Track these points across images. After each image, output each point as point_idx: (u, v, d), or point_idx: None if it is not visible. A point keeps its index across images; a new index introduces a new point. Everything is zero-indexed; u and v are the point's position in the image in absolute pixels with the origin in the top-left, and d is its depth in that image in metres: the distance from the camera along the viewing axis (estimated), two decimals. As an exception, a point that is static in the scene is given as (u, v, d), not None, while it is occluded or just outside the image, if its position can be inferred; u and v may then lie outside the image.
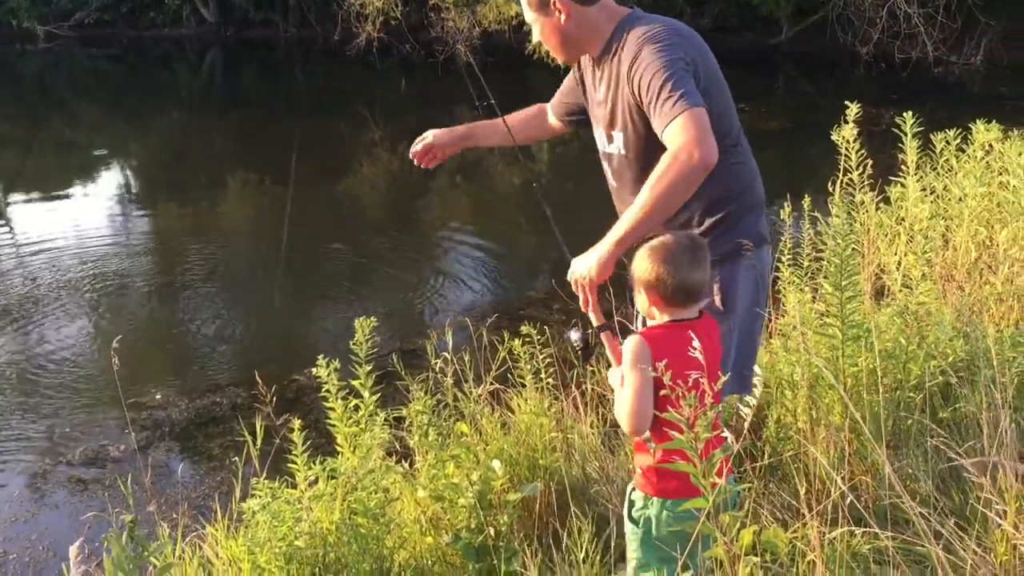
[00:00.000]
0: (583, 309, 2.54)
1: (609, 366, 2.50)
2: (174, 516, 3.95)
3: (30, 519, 4.32)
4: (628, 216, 2.41)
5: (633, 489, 2.34)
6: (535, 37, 2.69)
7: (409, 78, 18.38)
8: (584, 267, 2.47)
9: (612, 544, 2.51)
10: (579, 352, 2.58)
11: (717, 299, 2.61)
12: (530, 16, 2.65)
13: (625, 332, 2.95)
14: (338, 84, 18.76)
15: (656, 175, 2.35)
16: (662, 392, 2.04)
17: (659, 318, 2.32)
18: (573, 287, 2.54)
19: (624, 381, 2.24)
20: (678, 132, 2.32)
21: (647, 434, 2.25)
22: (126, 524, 1.69)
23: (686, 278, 2.25)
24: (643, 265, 2.28)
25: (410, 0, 18.85)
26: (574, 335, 2.57)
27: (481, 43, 17.74)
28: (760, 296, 2.69)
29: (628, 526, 2.34)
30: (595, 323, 2.52)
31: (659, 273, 2.25)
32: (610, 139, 2.69)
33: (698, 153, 2.30)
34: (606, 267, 2.44)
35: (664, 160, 2.35)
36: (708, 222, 2.62)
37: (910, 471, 2.68)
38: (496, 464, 2.83)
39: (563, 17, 2.57)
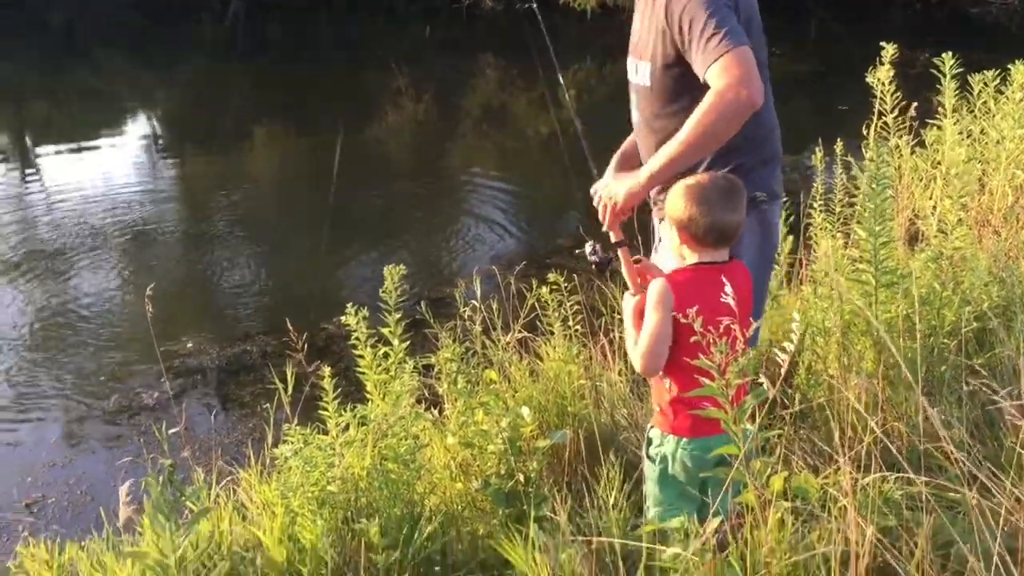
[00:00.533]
0: (604, 228, 2.53)
1: (626, 288, 2.47)
2: (208, 462, 4.02)
3: (67, 464, 4.40)
4: (666, 150, 2.37)
5: (651, 427, 2.37)
6: None
7: (433, 24, 18.19)
8: (614, 190, 2.48)
9: (642, 490, 2.51)
10: (594, 266, 2.60)
11: None
12: None
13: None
14: (362, 32, 18.61)
15: (700, 111, 2.30)
16: (692, 339, 2.02)
17: (688, 258, 2.30)
18: (596, 204, 2.56)
19: (644, 322, 2.24)
20: (724, 70, 2.26)
21: (661, 374, 2.26)
22: (165, 468, 1.71)
23: (719, 219, 2.23)
24: (677, 203, 2.26)
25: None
26: (589, 248, 2.60)
27: (506, -12, 17.50)
28: (768, 249, 2.63)
29: (646, 463, 2.38)
30: (613, 239, 2.52)
31: (692, 213, 2.23)
32: (636, 70, 2.64)
33: (746, 92, 2.25)
34: (635, 196, 2.45)
35: (709, 97, 2.29)
36: (722, 170, 2.56)
37: (943, 417, 2.66)
38: (525, 411, 2.83)
39: None
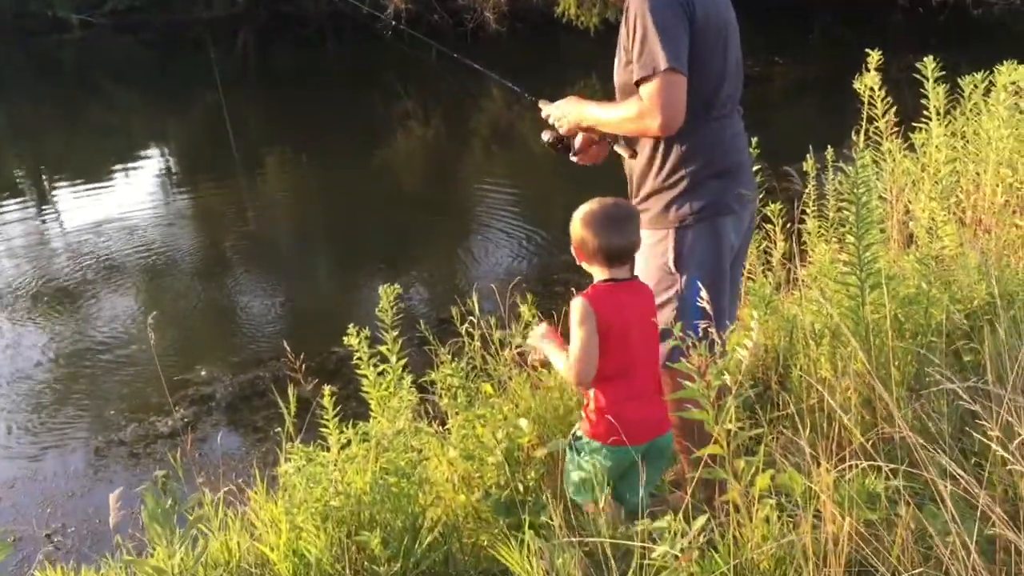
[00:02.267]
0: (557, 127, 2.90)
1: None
2: (220, 486, 4.11)
3: (86, 493, 4.50)
4: (596, 112, 2.74)
5: (578, 427, 2.60)
6: None
7: (439, 48, 18.36)
8: (558, 112, 2.86)
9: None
10: (553, 147, 2.96)
11: (669, 259, 2.66)
12: None
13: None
14: (370, 57, 18.79)
15: (624, 109, 2.61)
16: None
17: (597, 276, 2.53)
18: (544, 116, 2.94)
19: (572, 338, 2.46)
20: (648, 91, 2.48)
21: (590, 394, 2.51)
22: (158, 478, 1.80)
23: (607, 242, 2.46)
24: (574, 227, 2.51)
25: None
26: (545, 135, 2.96)
27: (509, 8, 17.63)
28: (719, 262, 2.69)
29: (568, 452, 2.61)
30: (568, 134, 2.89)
31: (584, 236, 2.47)
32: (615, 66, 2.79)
33: (660, 121, 2.50)
34: (568, 125, 2.84)
35: (632, 104, 2.56)
36: (669, 178, 2.65)
37: (931, 413, 2.70)
38: (523, 422, 2.91)
39: None
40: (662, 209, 2.67)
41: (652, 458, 2.49)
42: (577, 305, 2.44)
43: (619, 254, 2.48)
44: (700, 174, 2.62)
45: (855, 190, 2.89)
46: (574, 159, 2.97)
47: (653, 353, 2.54)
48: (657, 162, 2.67)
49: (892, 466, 2.06)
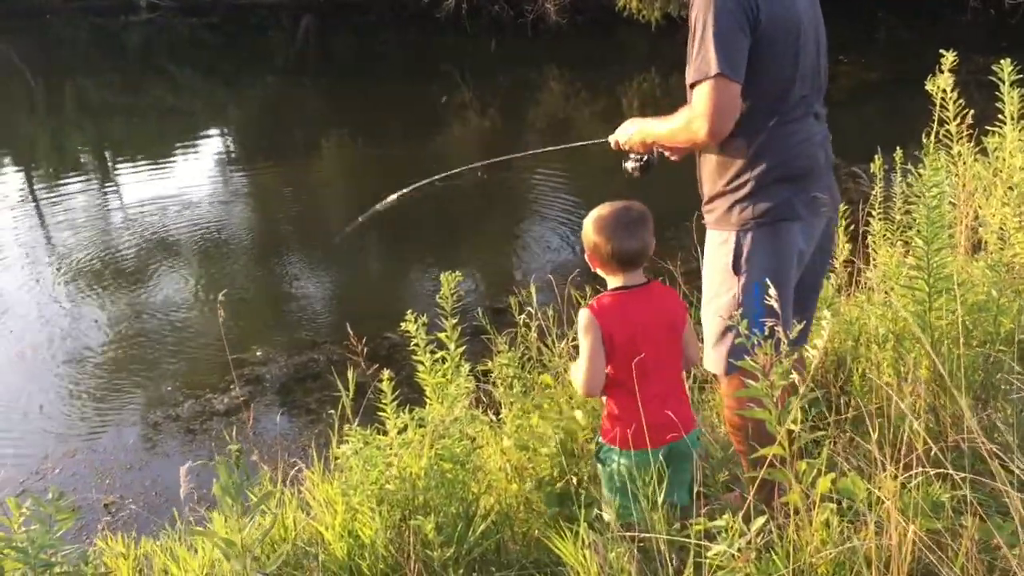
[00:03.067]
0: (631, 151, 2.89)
1: None
2: (275, 465, 4.16)
3: (144, 467, 4.59)
4: (654, 127, 2.74)
5: (599, 437, 2.60)
6: None
7: (499, 38, 18.36)
8: (624, 136, 2.86)
9: (694, 490, 2.55)
10: (637, 174, 2.93)
11: (729, 261, 2.62)
12: None
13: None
14: (430, 46, 18.87)
15: (676, 118, 2.60)
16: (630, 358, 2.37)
17: (610, 283, 2.53)
18: (614, 146, 2.94)
19: (580, 350, 2.48)
20: (699, 97, 2.45)
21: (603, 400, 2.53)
22: (231, 452, 1.82)
23: (619, 246, 2.45)
24: (586, 232, 2.52)
25: (499, -41, 18.77)
26: (629, 165, 2.93)
27: (570, 1, 17.54)
28: (782, 268, 2.61)
29: (597, 466, 2.59)
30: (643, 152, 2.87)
31: (596, 241, 2.48)
32: None
33: (707, 127, 2.47)
34: (638, 147, 2.84)
35: (684, 112, 2.56)
36: (733, 181, 2.61)
37: (998, 424, 2.65)
38: (579, 414, 2.90)
39: None
40: (725, 211, 2.64)
41: (674, 461, 2.46)
42: (581, 317, 2.47)
43: (632, 258, 2.48)
44: (765, 178, 2.57)
45: (926, 192, 2.84)
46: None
47: (669, 357, 2.53)
48: (723, 164, 2.63)
49: (960, 474, 2.02)
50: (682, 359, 2.59)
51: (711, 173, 2.67)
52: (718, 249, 2.66)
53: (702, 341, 2.74)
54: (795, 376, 1.99)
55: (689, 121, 2.52)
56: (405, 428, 2.64)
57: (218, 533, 1.88)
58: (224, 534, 1.87)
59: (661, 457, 2.38)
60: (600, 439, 2.58)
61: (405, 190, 3.68)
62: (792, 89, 2.60)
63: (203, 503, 4.04)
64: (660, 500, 2.23)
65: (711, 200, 2.68)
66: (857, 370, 3.17)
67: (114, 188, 10.15)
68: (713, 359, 2.71)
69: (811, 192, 2.62)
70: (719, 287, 2.66)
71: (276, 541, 2.52)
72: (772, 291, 2.06)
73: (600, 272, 2.57)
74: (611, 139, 2.94)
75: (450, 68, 16.07)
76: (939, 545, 2.08)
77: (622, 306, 2.47)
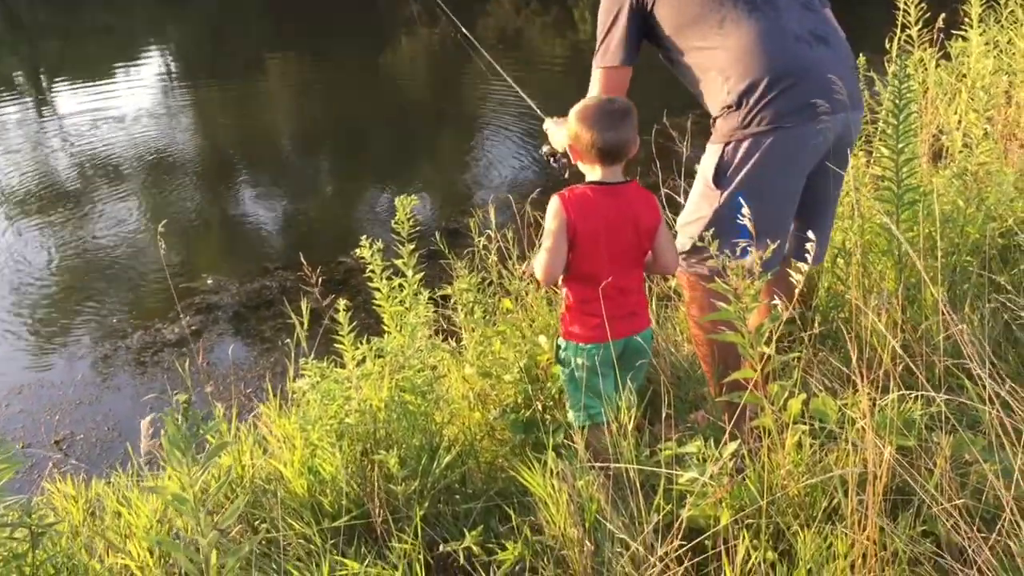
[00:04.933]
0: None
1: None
2: (229, 397, 4.05)
3: (94, 401, 4.46)
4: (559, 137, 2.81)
5: (559, 335, 2.58)
6: None
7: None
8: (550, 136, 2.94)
9: (662, 411, 2.50)
10: (552, 164, 3.04)
11: (710, 174, 2.54)
12: None
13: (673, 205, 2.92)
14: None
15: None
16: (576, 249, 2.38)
17: (588, 175, 2.49)
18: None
19: (543, 236, 2.45)
20: (593, 83, 2.71)
21: (560, 283, 2.51)
22: (179, 404, 1.72)
23: (600, 137, 2.39)
24: (568, 123, 2.48)
25: None
26: (544, 148, 3.04)
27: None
28: (776, 180, 2.52)
29: (559, 368, 2.58)
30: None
31: (578, 131, 2.43)
32: None
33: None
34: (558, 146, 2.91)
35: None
36: (716, 101, 2.55)
37: (963, 335, 2.62)
38: (542, 339, 2.82)
39: None
40: (713, 124, 2.55)
41: (629, 355, 2.48)
42: (551, 204, 2.43)
43: (611, 150, 2.41)
44: (739, 84, 2.46)
45: (896, 100, 2.75)
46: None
47: (632, 256, 2.48)
48: (706, 88, 2.58)
49: (932, 395, 1.98)
50: (651, 262, 2.54)
51: (707, 101, 2.61)
52: (704, 162, 2.59)
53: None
54: (778, 303, 1.92)
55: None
56: (363, 360, 2.54)
57: (169, 488, 1.79)
58: (175, 484, 1.77)
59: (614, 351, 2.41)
60: (560, 340, 2.56)
61: None
62: (722, 7, 2.50)
63: (153, 437, 3.96)
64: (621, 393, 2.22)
65: (712, 122, 2.59)
66: (823, 284, 3.12)
67: (51, 110, 9.76)
68: (681, 265, 2.65)
69: (803, 94, 2.45)
70: (699, 199, 2.58)
71: (233, 481, 2.43)
72: (745, 210, 1.96)
73: (580, 165, 2.52)
74: (545, 123, 2.99)
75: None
76: (911, 463, 2.05)
77: (593, 200, 2.41)
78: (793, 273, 1.91)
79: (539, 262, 2.44)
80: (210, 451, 1.79)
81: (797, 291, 1.93)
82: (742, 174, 2.48)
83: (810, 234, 2.03)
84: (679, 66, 2.63)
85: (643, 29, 2.65)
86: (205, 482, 1.83)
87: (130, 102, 9.55)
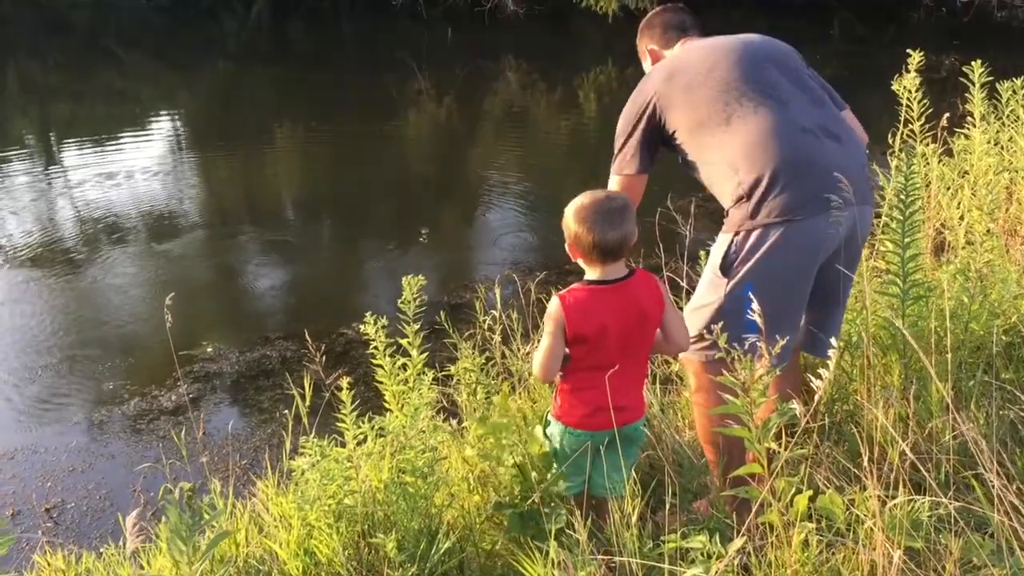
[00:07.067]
0: None
1: None
2: (225, 468, 4.00)
3: (87, 469, 4.40)
4: None
5: (549, 411, 2.60)
6: None
7: (455, 28, 18.17)
8: None
9: (667, 500, 2.47)
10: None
11: (718, 262, 2.58)
12: None
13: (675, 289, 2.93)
14: (385, 35, 18.62)
15: None
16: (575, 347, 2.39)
17: (587, 274, 2.47)
18: None
19: (542, 337, 2.46)
20: (610, 188, 2.78)
21: (557, 379, 2.51)
22: (183, 492, 1.69)
23: (601, 237, 2.38)
24: (566, 223, 2.46)
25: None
26: None
27: (528, -10, 17.44)
28: (783, 273, 2.54)
29: (545, 440, 2.61)
30: None
31: (577, 231, 2.40)
32: None
33: None
34: None
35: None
36: (725, 185, 2.61)
37: (971, 435, 2.60)
38: (538, 430, 2.80)
39: None
40: (726, 215, 2.60)
41: (620, 440, 2.46)
42: (551, 304, 2.43)
43: (613, 249, 2.40)
44: (747, 178, 2.50)
45: (902, 195, 2.78)
46: None
47: (638, 349, 2.48)
48: (714, 185, 2.67)
49: (938, 501, 1.95)
50: (661, 341, 2.52)
51: (720, 193, 2.68)
52: (713, 251, 2.63)
53: None
54: (795, 407, 1.91)
55: None
56: (364, 439, 2.52)
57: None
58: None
59: (607, 440, 2.43)
60: (550, 415, 2.56)
61: None
62: (729, 106, 2.57)
63: (149, 508, 3.90)
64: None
65: (725, 213, 2.64)
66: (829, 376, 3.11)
67: (60, 172, 9.82)
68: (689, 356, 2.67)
69: (812, 185, 2.49)
70: (707, 287, 2.60)
71: (226, 559, 2.39)
72: (755, 305, 1.97)
73: (580, 262, 2.49)
74: None
75: (405, 56, 15.87)
76: (920, 565, 2.02)
77: (594, 302, 2.41)
78: (814, 379, 1.90)
79: (536, 361, 2.45)
80: (210, 542, 1.76)
81: (817, 402, 1.92)
82: (749, 264, 2.50)
83: (832, 341, 2.04)
84: (694, 166, 2.69)
85: (660, 138, 2.72)
86: (204, 572, 1.79)
87: (137, 166, 9.63)
